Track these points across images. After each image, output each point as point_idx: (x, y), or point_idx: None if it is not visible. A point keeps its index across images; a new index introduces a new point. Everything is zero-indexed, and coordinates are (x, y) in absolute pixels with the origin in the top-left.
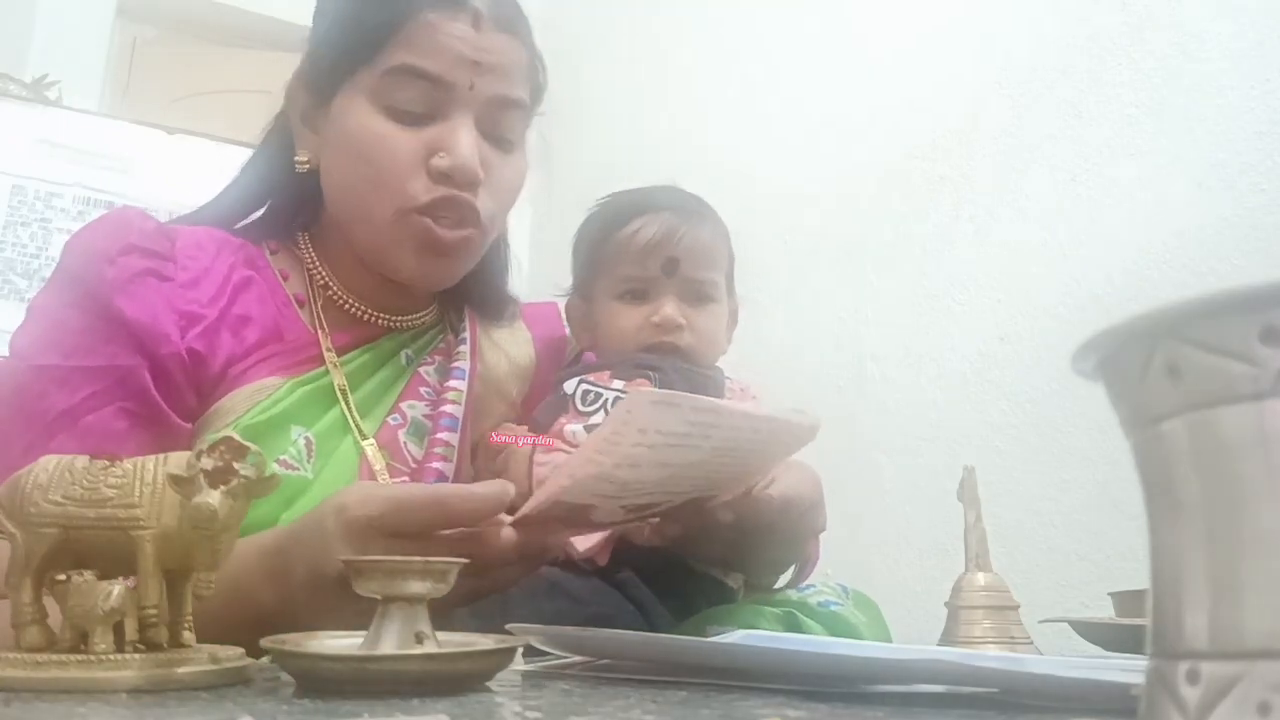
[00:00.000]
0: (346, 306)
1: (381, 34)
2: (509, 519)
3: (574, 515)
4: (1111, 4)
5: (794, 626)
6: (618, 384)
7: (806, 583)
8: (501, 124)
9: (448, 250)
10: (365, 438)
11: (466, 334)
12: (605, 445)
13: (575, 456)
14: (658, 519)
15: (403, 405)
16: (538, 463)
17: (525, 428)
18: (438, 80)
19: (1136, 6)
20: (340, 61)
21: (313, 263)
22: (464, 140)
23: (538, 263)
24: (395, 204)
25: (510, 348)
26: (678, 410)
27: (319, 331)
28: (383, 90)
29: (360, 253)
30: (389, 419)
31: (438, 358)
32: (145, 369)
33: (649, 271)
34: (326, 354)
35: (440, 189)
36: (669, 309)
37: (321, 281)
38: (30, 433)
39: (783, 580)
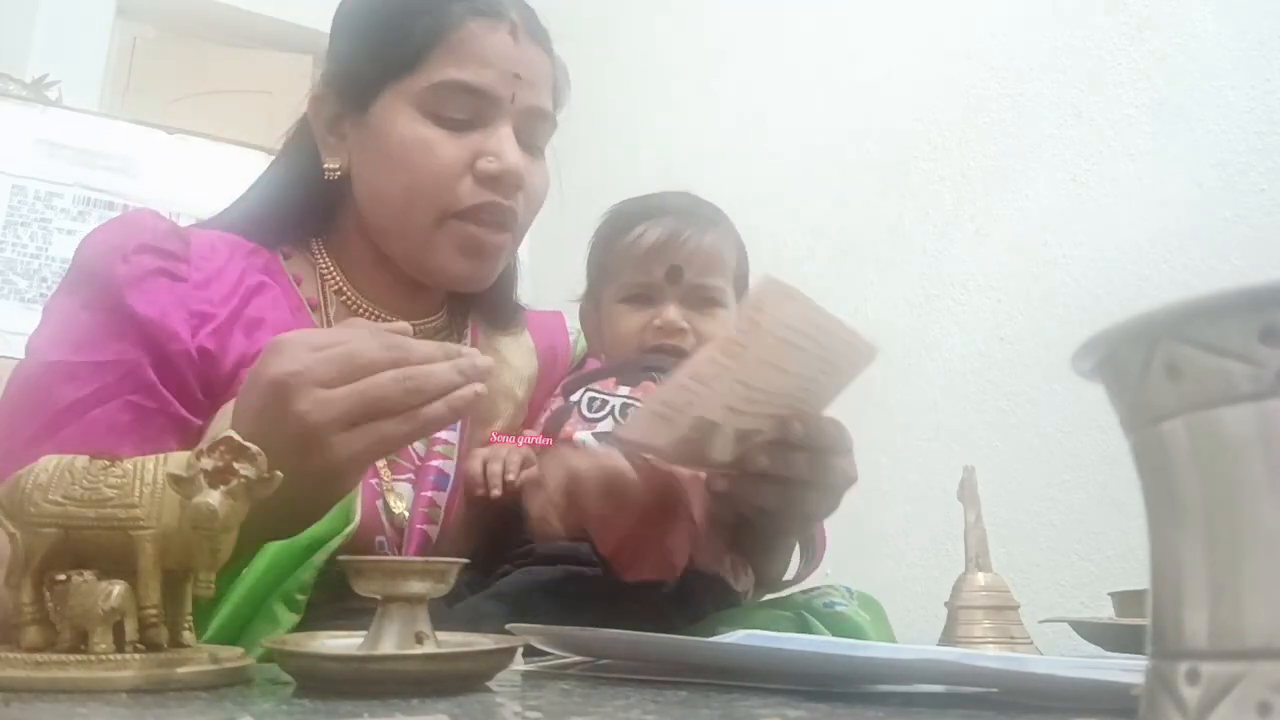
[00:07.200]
0: (359, 310)
1: (425, 44)
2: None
3: (694, 447)
4: (1111, 4)
5: (804, 628)
6: (623, 390)
7: (811, 585)
8: (535, 134)
9: (489, 253)
10: None
11: (468, 341)
12: (746, 337)
13: (708, 353)
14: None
15: None
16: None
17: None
18: (484, 93)
19: (1136, 6)
20: (380, 70)
21: (327, 268)
22: (510, 146)
23: (537, 262)
24: (438, 207)
25: (513, 356)
26: (796, 304)
27: None
28: (429, 100)
29: (396, 258)
30: None
31: None
32: (151, 364)
33: (652, 277)
34: None
35: (484, 194)
36: (671, 313)
37: (335, 286)
38: (36, 426)
39: (790, 571)
